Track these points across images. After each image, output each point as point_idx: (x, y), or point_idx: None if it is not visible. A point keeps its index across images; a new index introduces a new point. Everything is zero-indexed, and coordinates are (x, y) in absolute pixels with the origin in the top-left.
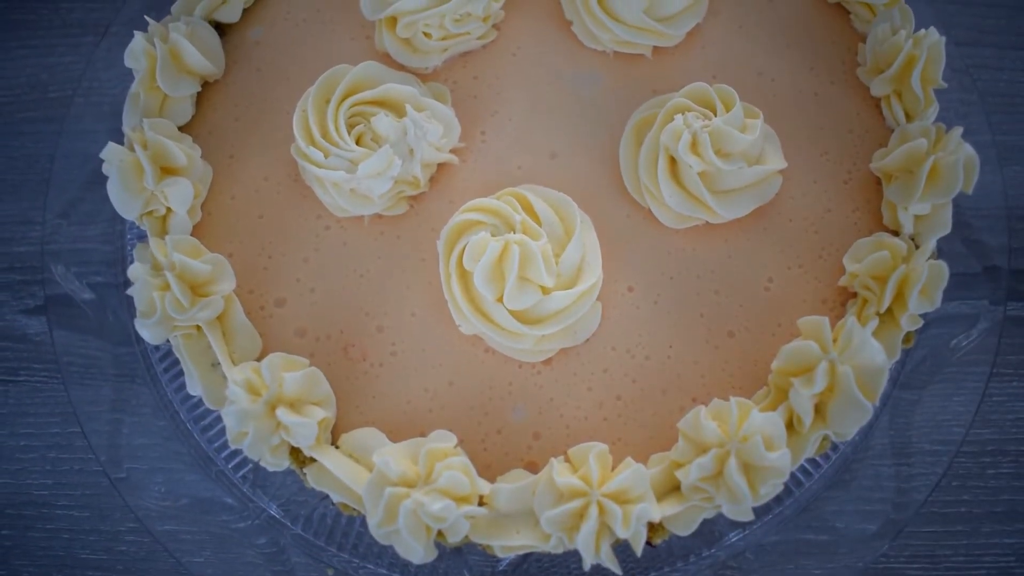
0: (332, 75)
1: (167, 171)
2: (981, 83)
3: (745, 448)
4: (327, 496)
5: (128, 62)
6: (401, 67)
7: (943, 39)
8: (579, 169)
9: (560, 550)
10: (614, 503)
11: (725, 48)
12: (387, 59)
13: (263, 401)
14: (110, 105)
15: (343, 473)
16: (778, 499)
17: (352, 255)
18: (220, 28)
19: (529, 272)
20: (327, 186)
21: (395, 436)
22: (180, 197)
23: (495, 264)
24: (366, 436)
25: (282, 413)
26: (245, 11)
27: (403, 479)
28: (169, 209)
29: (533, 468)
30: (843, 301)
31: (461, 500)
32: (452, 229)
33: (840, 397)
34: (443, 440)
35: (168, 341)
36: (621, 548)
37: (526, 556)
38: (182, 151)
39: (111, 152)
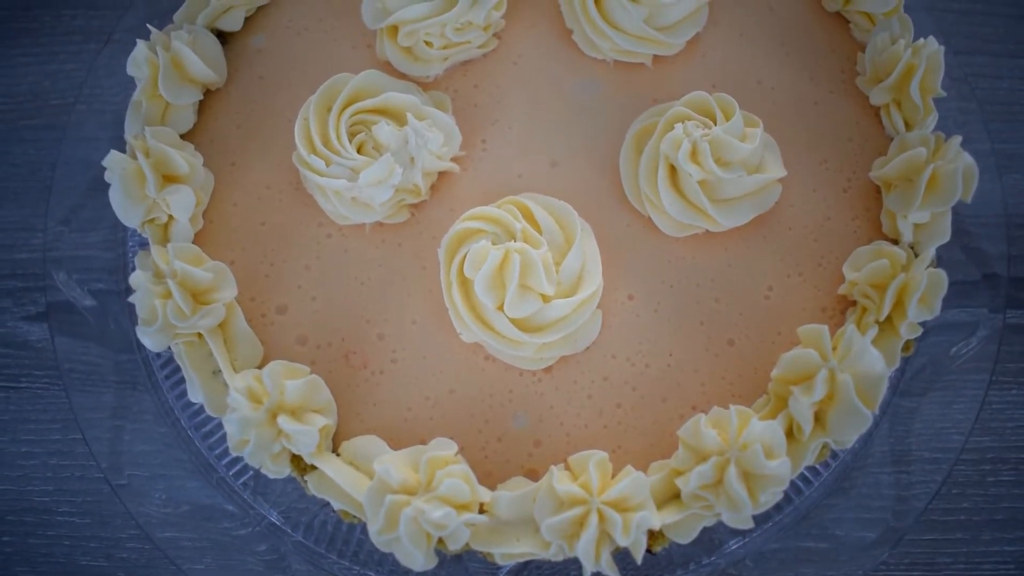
0: (333, 83)
1: (169, 179)
2: (980, 92)
3: (745, 456)
4: (328, 503)
5: (130, 70)
6: (402, 76)
7: (942, 48)
8: (579, 177)
9: (560, 558)
10: (614, 511)
11: (725, 57)
12: (388, 68)
13: (264, 409)
14: (112, 112)
15: (344, 480)
16: (778, 507)
17: (353, 263)
18: (222, 36)
19: (530, 280)
20: (328, 194)
21: (396, 444)
22: (182, 205)
23: (496, 272)
24: (367, 444)
25: (283, 421)
26: (247, 19)
27: (404, 487)
28: (171, 217)
29: (533, 476)
30: (843, 309)
31: (462, 507)
32: (453, 237)
33: (840, 405)
34: (444, 448)
35: (169, 348)
36: (621, 556)
37: (526, 563)
38: (184, 159)
39: (113, 160)
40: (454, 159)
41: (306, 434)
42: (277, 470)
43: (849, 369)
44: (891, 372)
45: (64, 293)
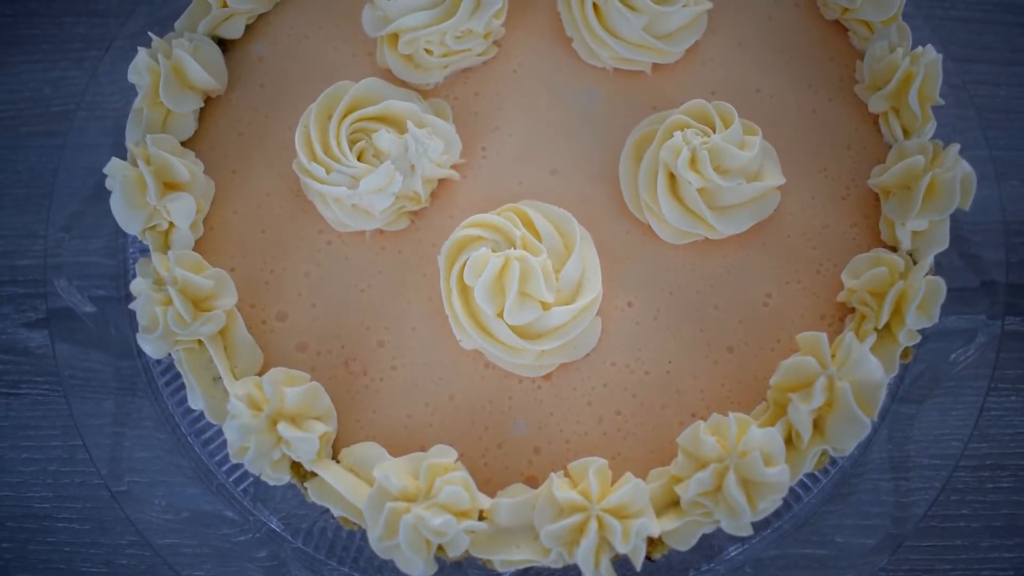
0: (334, 91)
1: (170, 186)
2: (978, 99)
3: (744, 463)
4: (328, 510)
5: (132, 78)
6: (402, 83)
7: (940, 57)
8: (579, 185)
9: (560, 565)
10: (614, 518)
11: (724, 65)
12: (388, 75)
13: (264, 416)
14: (113, 119)
15: (344, 487)
16: (777, 514)
17: (353, 270)
18: (223, 44)
19: (529, 287)
20: (329, 201)
21: (396, 450)
22: (183, 212)
23: (495, 279)
24: (367, 450)
25: (283, 428)
26: (248, 27)
27: (404, 494)
28: (171, 224)
29: (533, 483)
30: (841, 316)
31: (461, 515)
32: (453, 244)
33: (838, 412)
34: (443, 455)
35: (170, 355)
36: (621, 563)
37: (526, 570)
38: (185, 166)
39: (114, 167)
40: (454, 166)
41: (306, 441)
42: (277, 477)
43: (848, 376)
44: (890, 379)
45: (65, 299)
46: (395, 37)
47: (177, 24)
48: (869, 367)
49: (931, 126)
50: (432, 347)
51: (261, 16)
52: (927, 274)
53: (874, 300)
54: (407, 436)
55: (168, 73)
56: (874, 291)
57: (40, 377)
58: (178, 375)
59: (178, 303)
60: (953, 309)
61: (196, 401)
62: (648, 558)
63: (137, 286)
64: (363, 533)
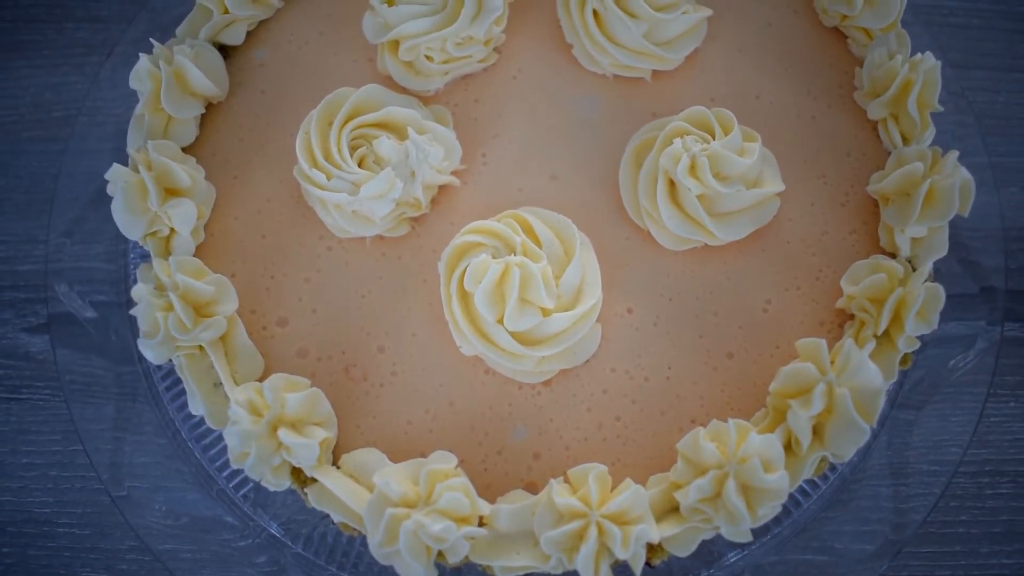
0: (335, 98)
1: (171, 192)
2: (977, 105)
3: (743, 470)
4: (328, 516)
5: (133, 84)
6: (403, 90)
7: (939, 63)
8: (579, 191)
9: (560, 571)
10: (613, 524)
11: (723, 72)
12: (389, 82)
13: (265, 421)
14: (114, 125)
15: (344, 493)
16: (776, 520)
17: (354, 276)
18: (224, 50)
19: (529, 294)
20: (329, 207)
21: (396, 456)
22: (184, 218)
23: (496, 286)
24: (367, 456)
25: (284, 433)
26: (249, 34)
27: (404, 500)
28: (172, 230)
29: (533, 489)
30: (841, 323)
31: (461, 521)
32: (453, 251)
33: (838, 419)
34: (443, 461)
35: (170, 360)
36: (620, 569)
37: None
38: (186, 172)
39: (116, 173)
40: (454, 173)
41: (306, 447)
42: (277, 482)
43: (847, 383)
44: (889, 385)
45: (65, 305)
46: (396, 43)
47: (178, 30)
48: (868, 373)
49: (930, 133)
50: (432, 353)
51: (262, 22)
52: (926, 280)
53: (873, 306)
54: (407, 442)
55: (169, 79)
56: (873, 297)
57: (41, 382)
58: (179, 380)
59: (179, 309)
60: (952, 315)
61: (197, 407)
62: (648, 564)
63: (138, 292)
64: (363, 539)
